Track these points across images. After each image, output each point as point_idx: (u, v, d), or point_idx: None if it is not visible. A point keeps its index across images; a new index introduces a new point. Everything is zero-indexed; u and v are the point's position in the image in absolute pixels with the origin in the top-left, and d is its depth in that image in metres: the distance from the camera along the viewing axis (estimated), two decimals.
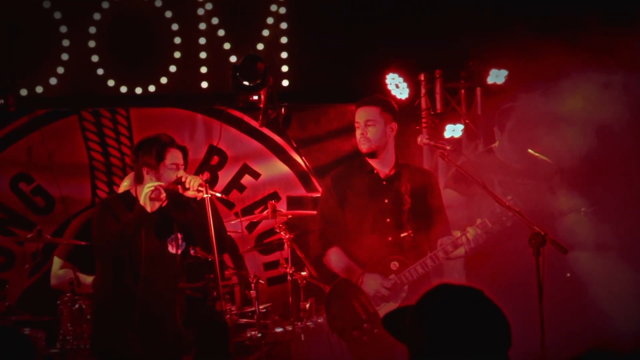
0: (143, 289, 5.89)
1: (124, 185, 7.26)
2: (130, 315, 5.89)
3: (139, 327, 5.88)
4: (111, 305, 6.00)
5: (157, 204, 5.87)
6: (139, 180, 6.05)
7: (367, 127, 6.10)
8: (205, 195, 5.84)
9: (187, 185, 5.86)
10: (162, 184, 5.88)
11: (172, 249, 6.04)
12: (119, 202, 6.13)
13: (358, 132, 6.16)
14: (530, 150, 6.83)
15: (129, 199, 6.06)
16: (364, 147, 6.13)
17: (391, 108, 6.20)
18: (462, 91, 8.74)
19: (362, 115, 6.16)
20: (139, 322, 5.88)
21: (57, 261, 7.33)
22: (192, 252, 6.23)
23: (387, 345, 5.72)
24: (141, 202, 5.84)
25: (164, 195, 5.89)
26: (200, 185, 5.83)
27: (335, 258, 6.12)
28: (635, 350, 2.16)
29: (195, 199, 5.90)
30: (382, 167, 6.18)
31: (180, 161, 5.98)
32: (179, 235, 6.04)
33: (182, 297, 6.24)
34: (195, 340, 6.10)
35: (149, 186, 5.84)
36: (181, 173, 5.93)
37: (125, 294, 5.92)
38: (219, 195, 6.07)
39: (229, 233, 8.44)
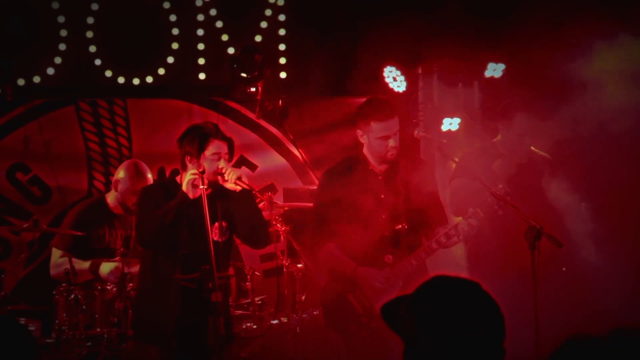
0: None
1: (119, 175, 7.30)
2: (170, 302, 5.94)
3: (180, 313, 5.94)
4: (152, 292, 6.07)
5: (199, 191, 5.91)
6: (183, 168, 6.17)
7: (395, 137, 6.06)
8: (201, 186, 5.86)
9: (225, 177, 5.93)
10: (204, 172, 5.92)
11: (215, 237, 6.05)
12: (160, 189, 6.24)
13: (390, 143, 6.03)
14: (532, 148, 6.85)
15: (173, 186, 6.12)
16: (393, 156, 6.09)
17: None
18: (460, 84, 8.73)
19: (392, 126, 6.04)
20: (180, 309, 5.93)
21: (56, 252, 7.34)
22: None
23: (385, 339, 5.72)
24: (184, 188, 5.90)
25: (206, 181, 5.92)
26: (238, 177, 5.93)
27: (330, 253, 6.09)
28: (613, 332, 2.16)
29: (235, 191, 5.99)
30: (378, 162, 6.15)
31: (224, 151, 6.04)
32: (224, 224, 6.06)
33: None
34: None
35: (192, 172, 5.89)
36: (222, 164, 5.98)
37: (165, 280, 5.96)
38: (253, 190, 6.10)
39: None
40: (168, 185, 6.31)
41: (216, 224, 6.08)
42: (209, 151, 5.99)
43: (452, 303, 2.56)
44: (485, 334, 2.54)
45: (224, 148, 6.05)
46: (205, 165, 5.98)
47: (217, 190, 6.08)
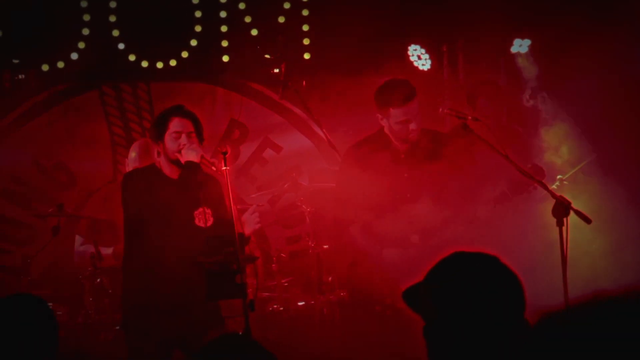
0: (169, 262, 5.84)
1: (131, 156, 7.15)
2: (156, 288, 5.85)
3: (166, 299, 5.84)
4: (138, 278, 5.96)
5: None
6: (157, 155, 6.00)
7: (415, 119, 5.95)
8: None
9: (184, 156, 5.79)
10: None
11: (199, 222, 5.95)
12: (142, 175, 6.07)
13: (412, 125, 5.95)
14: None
15: (154, 170, 5.99)
16: (415, 138, 6.00)
17: None
18: (485, 61, 8.62)
19: (411, 110, 5.95)
20: (166, 294, 5.84)
21: (77, 239, 7.34)
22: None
23: (410, 320, 5.65)
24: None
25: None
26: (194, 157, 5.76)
27: (355, 233, 6.05)
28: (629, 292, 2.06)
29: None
30: (400, 142, 6.05)
31: (185, 129, 5.82)
32: (207, 209, 5.95)
33: (203, 271, 6.21)
34: None
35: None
36: (184, 140, 5.80)
37: (151, 267, 5.88)
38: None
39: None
40: (148, 170, 6.08)
41: (200, 209, 5.94)
42: (171, 129, 5.80)
43: (470, 276, 2.50)
44: (506, 307, 2.48)
45: (186, 126, 5.84)
46: (169, 144, 5.81)
47: (195, 176, 5.86)
